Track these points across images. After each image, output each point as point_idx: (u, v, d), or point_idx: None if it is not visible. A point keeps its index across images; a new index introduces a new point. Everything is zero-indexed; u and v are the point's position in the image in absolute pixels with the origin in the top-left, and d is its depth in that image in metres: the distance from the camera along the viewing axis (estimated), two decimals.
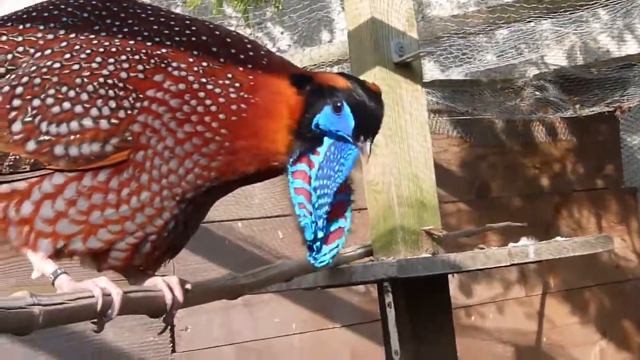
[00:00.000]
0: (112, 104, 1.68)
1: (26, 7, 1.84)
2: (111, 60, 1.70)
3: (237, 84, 1.70)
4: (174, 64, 1.70)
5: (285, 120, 1.72)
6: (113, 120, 1.68)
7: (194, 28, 1.77)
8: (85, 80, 1.70)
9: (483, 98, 4.57)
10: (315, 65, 3.97)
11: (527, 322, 4.79)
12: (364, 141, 1.72)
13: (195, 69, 1.70)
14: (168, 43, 1.73)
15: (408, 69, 2.83)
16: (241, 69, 1.72)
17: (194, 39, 1.74)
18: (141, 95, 1.68)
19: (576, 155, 5.06)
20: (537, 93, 4.58)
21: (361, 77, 2.76)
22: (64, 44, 1.74)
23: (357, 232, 4.34)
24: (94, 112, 1.68)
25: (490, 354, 4.65)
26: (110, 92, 1.69)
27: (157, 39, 1.73)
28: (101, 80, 1.69)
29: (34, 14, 1.81)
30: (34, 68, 1.73)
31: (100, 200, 1.69)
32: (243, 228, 4.06)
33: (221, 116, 1.69)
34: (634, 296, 5.16)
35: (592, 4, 3.16)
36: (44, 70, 1.72)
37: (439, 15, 4.82)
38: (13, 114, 1.72)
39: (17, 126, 1.71)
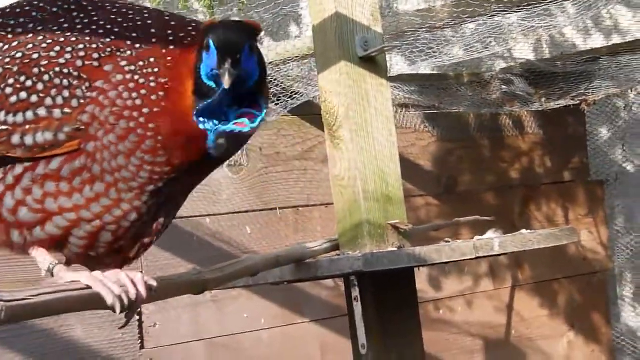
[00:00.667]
0: (66, 93, 1.70)
1: (6, 5, 1.85)
2: (69, 49, 1.72)
3: (156, 69, 1.71)
4: (122, 53, 1.71)
5: (190, 88, 1.72)
6: (66, 110, 1.70)
7: (146, 15, 1.78)
8: (42, 69, 1.72)
9: (450, 92, 4.59)
10: (282, 60, 3.97)
11: (496, 316, 4.81)
12: (223, 67, 1.68)
13: (134, 56, 1.71)
14: (122, 33, 1.74)
15: (373, 63, 2.83)
16: (164, 50, 1.72)
17: (140, 25, 1.75)
18: (92, 85, 1.69)
19: (544, 149, 5.09)
20: (504, 87, 4.59)
21: (326, 72, 2.79)
22: (30, 35, 1.75)
23: (325, 227, 4.36)
24: (48, 101, 1.71)
25: (459, 347, 4.67)
26: (65, 81, 1.70)
27: (115, 29, 1.74)
28: (57, 69, 1.71)
29: (8, 10, 1.83)
30: None
31: (53, 188, 1.72)
32: (211, 224, 4.06)
33: (145, 110, 1.69)
34: (602, 288, 5.19)
35: None
36: (7, 60, 1.74)
37: (407, 9, 4.83)
38: None
39: None
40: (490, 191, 4.90)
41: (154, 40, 1.73)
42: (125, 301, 1.74)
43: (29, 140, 1.71)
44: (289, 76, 4.20)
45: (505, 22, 4.06)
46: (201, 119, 1.70)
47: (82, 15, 1.78)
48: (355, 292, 2.72)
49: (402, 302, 2.78)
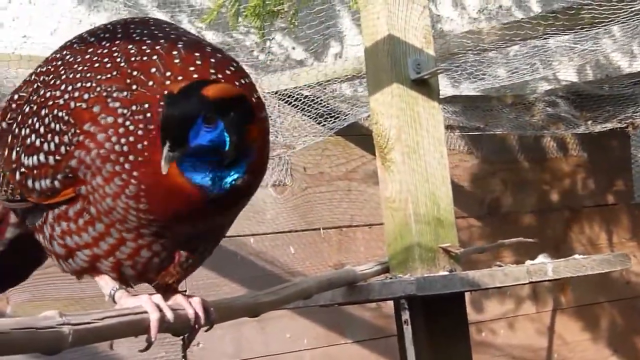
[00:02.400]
0: (57, 139, 1.68)
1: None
2: (70, 87, 1.68)
3: (148, 115, 1.64)
4: (115, 93, 1.65)
5: None
6: (57, 157, 1.69)
7: (181, 44, 1.70)
8: (46, 111, 1.71)
9: (494, 114, 4.57)
10: (328, 81, 3.97)
11: (538, 339, 4.78)
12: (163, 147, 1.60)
13: (129, 99, 1.64)
14: (130, 68, 1.67)
15: (425, 86, 2.83)
16: (159, 96, 1.64)
17: (162, 58, 1.68)
18: (78, 130, 1.64)
19: (587, 171, 5.06)
20: (549, 109, 4.58)
21: (378, 94, 2.79)
22: (62, 70, 1.74)
23: (368, 248, 4.35)
24: (45, 147, 1.70)
25: None
26: (57, 127, 1.68)
27: (124, 64, 1.68)
28: (55, 112, 1.69)
29: (69, 42, 1.82)
30: (34, 97, 1.75)
31: (66, 227, 1.73)
32: (255, 243, 4.06)
33: (130, 157, 1.63)
34: None
35: (609, 22, 3.16)
36: (34, 98, 1.75)
37: (450, 30, 4.82)
38: (14, 141, 1.76)
39: (13, 155, 1.76)
40: (533, 213, 4.87)
41: (165, 81, 1.65)
42: (169, 321, 1.74)
43: (37, 185, 1.73)
44: (334, 97, 4.20)
45: (550, 45, 4.05)
46: (186, 172, 1.63)
47: (103, 43, 1.73)
48: (406, 316, 2.71)
49: (452, 326, 2.77)
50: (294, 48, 4.47)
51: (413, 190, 2.77)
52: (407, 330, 2.70)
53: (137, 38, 1.72)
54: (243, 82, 1.71)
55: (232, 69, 1.71)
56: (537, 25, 3.22)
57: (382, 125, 2.82)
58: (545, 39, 3.46)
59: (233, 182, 1.63)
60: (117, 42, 1.71)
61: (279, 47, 4.41)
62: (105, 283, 1.77)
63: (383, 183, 2.83)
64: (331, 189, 4.30)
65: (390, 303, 2.90)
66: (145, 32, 1.74)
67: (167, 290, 1.84)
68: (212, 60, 1.69)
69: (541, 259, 2.76)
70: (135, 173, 1.63)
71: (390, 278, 2.69)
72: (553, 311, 4.83)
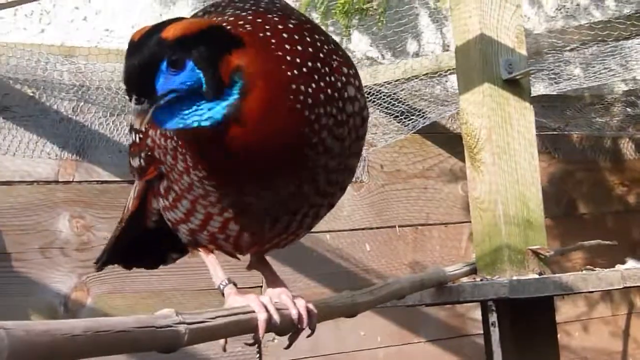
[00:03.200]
0: None
1: None
2: None
3: None
4: None
5: None
6: (140, 135, 1.73)
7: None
8: None
9: (572, 114, 4.52)
10: (408, 78, 3.95)
11: (612, 342, 4.72)
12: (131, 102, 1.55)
13: None
14: None
15: (516, 86, 2.80)
16: None
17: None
18: None
19: None
20: (628, 109, 4.51)
21: (468, 94, 2.76)
22: None
23: (443, 247, 4.33)
24: None
25: None
26: None
27: None
28: None
29: None
30: None
31: (163, 203, 1.77)
32: (331, 240, 4.05)
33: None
34: None
35: None
36: None
37: (529, 28, 4.77)
38: None
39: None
40: (610, 215, 4.81)
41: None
42: (276, 322, 1.74)
43: (133, 163, 1.77)
44: (413, 94, 4.18)
45: (627, 45, 3.99)
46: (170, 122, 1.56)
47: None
48: (493, 318, 2.68)
49: (541, 329, 2.74)
50: (371, 45, 4.45)
51: (503, 191, 2.74)
52: (495, 332, 2.67)
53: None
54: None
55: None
56: (631, 26, 3.18)
57: (472, 125, 2.79)
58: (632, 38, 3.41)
59: (226, 109, 1.55)
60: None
61: (358, 44, 4.39)
62: (215, 272, 1.80)
63: (472, 183, 2.81)
64: (407, 187, 4.28)
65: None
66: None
67: (260, 262, 1.88)
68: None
69: (632, 263, 2.72)
70: (181, 143, 1.64)
71: (481, 280, 2.66)
72: (628, 314, 4.78)
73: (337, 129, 1.64)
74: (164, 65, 1.52)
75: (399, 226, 4.24)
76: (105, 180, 3.61)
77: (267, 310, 1.71)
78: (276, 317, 1.72)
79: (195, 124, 1.54)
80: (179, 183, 1.70)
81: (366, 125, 1.75)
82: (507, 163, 2.76)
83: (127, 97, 1.54)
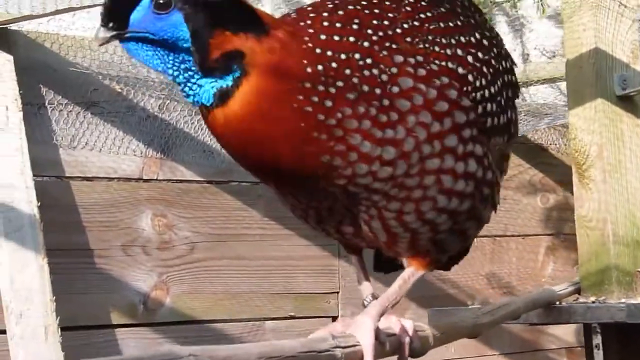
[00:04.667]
0: None
1: None
2: None
3: None
4: None
5: None
6: None
7: None
8: None
9: None
10: None
11: None
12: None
13: None
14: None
15: (630, 103, 2.74)
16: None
17: None
18: None
19: None
20: None
21: (579, 108, 2.70)
22: None
23: (520, 259, 4.25)
24: None
25: None
26: None
27: None
28: None
29: None
30: None
31: None
32: None
33: None
34: None
35: None
36: None
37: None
38: None
39: None
40: None
41: None
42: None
43: None
44: None
45: None
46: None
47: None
48: (597, 340, 2.62)
49: None
50: None
51: (613, 210, 2.68)
52: (598, 355, 2.61)
53: None
54: None
55: None
56: None
57: (581, 140, 2.73)
58: None
59: (214, 93, 1.46)
60: None
61: None
62: (359, 282, 1.81)
63: (579, 200, 2.74)
64: None
65: None
66: None
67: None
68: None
69: None
70: None
71: (593, 302, 2.59)
72: None
73: (378, 131, 1.53)
74: (149, 1, 1.45)
75: (477, 236, 4.16)
76: (188, 180, 3.57)
77: (377, 336, 1.64)
78: (417, 342, 1.69)
79: (184, 95, 1.48)
80: None
81: (459, 123, 1.58)
82: (617, 181, 2.70)
83: None
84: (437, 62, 1.59)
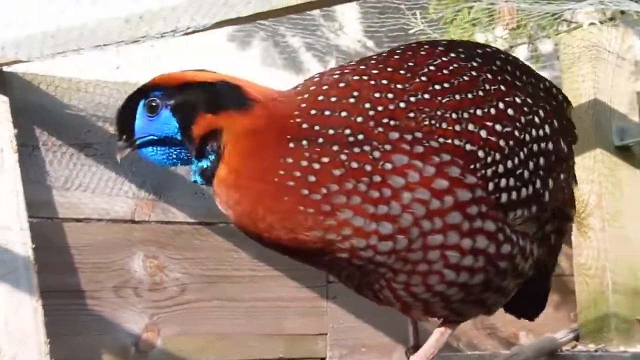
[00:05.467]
0: None
1: None
2: None
3: None
4: None
5: None
6: None
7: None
8: None
9: None
10: None
11: None
12: None
13: None
14: None
15: (628, 153, 2.79)
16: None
17: None
18: None
19: None
20: None
21: (579, 158, 2.74)
22: None
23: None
24: None
25: None
26: None
27: None
28: None
29: None
30: None
31: None
32: None
33: None
34: None
35: None
36: None
37: None
38: None
39: None
40: None
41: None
42: None
43: None
44: None
45: None
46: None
47: None
48: None
49: None
50: None
51: (612, 258, 2.72)
52: None
53: None
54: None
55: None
56: None
57: (580, 190, 2.77)
58: None
59: (199, 170, 1.59)
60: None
61: None
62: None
63: (578, 248, 2.79)
64: None
65: None
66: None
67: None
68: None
69: None
70: None
71: (596, 350, 2.63)
72: None
73: (370, 206, 1.55)
74: (141, 108, 1.60)
75: None
76: (180, 221, 3.57)
77: None
78: None
79: (193, 180, 1.63)
80: None
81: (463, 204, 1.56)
82: (616, 230, 2.74)
83: None
84: (441, 139, 1.57)
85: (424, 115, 1.57)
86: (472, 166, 1.58)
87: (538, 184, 1.68)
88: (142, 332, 3.44)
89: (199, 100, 1.58)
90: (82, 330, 3.33)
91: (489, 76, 1.65)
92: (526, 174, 1.66)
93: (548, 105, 1.74)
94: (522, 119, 1.66)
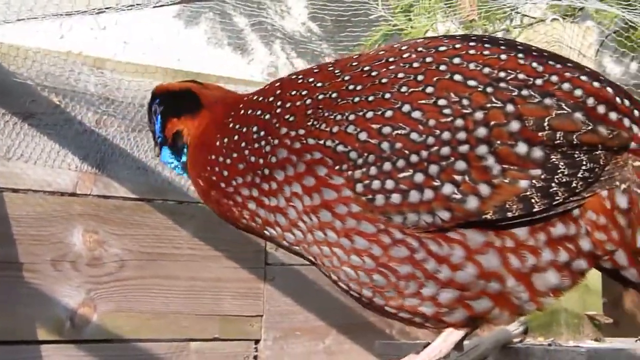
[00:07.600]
0: None
1: None
2: None
3: None
4: None
5: None
6: None
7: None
8: None
9: None
10: None
11: None
12: None
13: None
14: None
15: None
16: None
17: None
18: None
19: None
20: None
21: None
22: None
23: None
24: None
25: None
26: None
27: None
28: None
29: None
30: None
31: None
32: None
33: None
34: None
35: None
36: None
37: None
38: None
39: None
40: None
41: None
42: None
43: None
44: None
45: None
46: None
47: None
48: None
49: None
50: None
51: None
52: None
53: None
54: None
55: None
56: None
57: None
58: None
59: (181, 165, 1.84)
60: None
61: None
62: None
63: None
64: None
65: None
66: None
67: None
68: None
69: None
70: None
71: (549, 344, 2.64)
72: None
73: (265, 198, 1.60)
74: (153, 113, 1.87)
75: None
76: (122, 197, 3.52)
77: None
78: None
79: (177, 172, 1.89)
80: None
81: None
82: None
83: None
84: (314, 139, 1.56)
85: (316, 114, 1.57)
86: (338, 167, 1.55)
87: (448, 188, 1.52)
88: (79, 307, 3.39)
89: (169, 107, 1.85)
90: (17, 303, 3.27)
91: (420, 78, 1.55)
92: (419, 177, 1.52)
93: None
94: (436, 122, 1.52)
